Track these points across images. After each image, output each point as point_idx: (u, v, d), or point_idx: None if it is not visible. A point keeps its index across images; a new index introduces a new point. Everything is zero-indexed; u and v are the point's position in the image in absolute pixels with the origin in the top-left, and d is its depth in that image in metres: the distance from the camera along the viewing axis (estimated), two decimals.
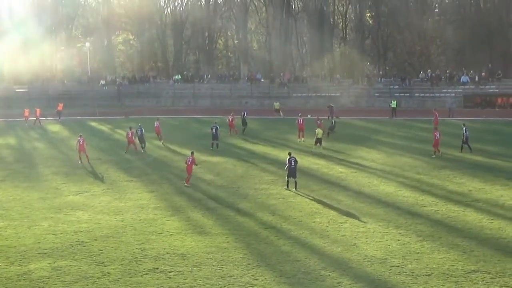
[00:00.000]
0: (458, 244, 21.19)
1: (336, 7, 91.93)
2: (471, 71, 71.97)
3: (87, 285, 18.14)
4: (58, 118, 64.27)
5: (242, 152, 42.06)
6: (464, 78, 70.97)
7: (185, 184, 31.10)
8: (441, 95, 70.43)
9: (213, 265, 19.50)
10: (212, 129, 42.97)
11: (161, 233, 23.02)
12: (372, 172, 34.12)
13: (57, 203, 28.01)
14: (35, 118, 60.83)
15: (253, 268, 19.21)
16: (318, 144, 40.94)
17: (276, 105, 66.40)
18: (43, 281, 18.41)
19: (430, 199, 27.71)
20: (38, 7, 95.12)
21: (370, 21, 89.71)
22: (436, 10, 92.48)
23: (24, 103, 69.35)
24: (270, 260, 19.98)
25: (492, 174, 32.84)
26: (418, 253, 20.39)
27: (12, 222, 24.99)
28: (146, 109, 72.26)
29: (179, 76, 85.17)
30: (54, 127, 59.24)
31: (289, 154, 30.45)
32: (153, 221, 24.79)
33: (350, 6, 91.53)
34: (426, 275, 18.44)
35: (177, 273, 18.92)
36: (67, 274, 18.95)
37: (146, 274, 18.88)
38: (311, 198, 28.31)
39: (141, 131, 42.48)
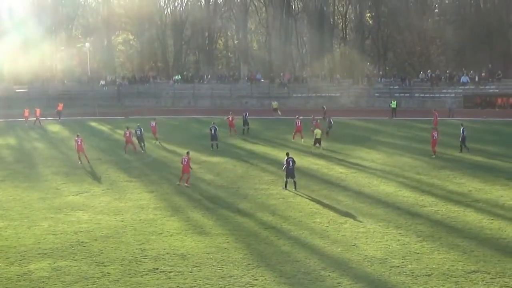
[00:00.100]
0: (458, 245, 21.20)
1: (336, 7, 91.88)
2: (471, 71, 71.95)
3: (87, 285, 18.15)
4: (58, 118, 64.25)
5: (242, 152, 42.06)
6: (464, 78, 70.94)
7: (185, 184, 31.06)
8: (441, 95, 70.43)
9: (213, 266, 19.51)
10: (211, 130, 42.97)
11: (161, 234, 23.02)
12: (372, 172, 34.12)
13: (57, 203, 28.01)
14: (35, 118, 60.83)
15: (253, 269, 19.22)
16: (318, 144, 40.97)
17: (274, 104, 66.43)
18: (43, 282, 18.42)
19: (430, 199, 27.71)
20: (38, 7, 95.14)
21: (370, 21, 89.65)
22: (436, 10, 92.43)
23: (24, 103, 69.38)
24: (270, 260, 19.98)
25: (492, 174, 32.84)
26: (418, 253, 20.39)
27: (12, 222, 25.00)
28: (146, 109, 72.17)
29: (179, 76, 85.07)
30: (54, 127, 59.22)
31: (287, 154, 30.48)
32: (153, 221, 24.80)
33: (350, 6, 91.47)
34: (426, 275, 18.44)
35: (177, 273, 18.92)
36: (67, 274, 18.96)
37: (146, 274, 18.89)
38: (311, 198, 28.30)
39: (141, 131, 42.49)
